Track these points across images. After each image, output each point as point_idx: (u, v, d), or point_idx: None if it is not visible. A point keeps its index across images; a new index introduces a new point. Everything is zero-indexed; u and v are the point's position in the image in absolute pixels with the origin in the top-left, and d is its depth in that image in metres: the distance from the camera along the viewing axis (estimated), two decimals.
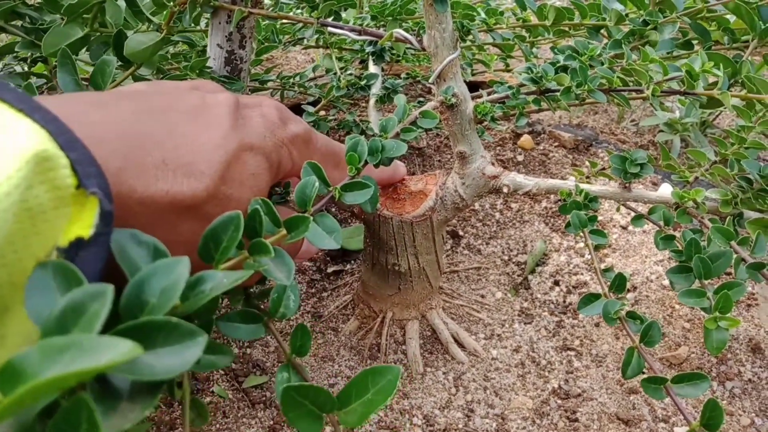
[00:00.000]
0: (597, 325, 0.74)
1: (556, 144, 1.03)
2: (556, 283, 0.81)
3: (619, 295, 0.54)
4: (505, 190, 0.65)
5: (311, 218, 0.37)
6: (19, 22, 0.72)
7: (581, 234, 0.57)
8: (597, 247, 0.56)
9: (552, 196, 0.92)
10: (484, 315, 0.80)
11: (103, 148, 0.26)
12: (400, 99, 0.56)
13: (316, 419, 0.27)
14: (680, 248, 0.56)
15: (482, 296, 0.83)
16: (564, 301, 0.79)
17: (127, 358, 0.15)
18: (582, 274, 0.80)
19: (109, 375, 0.19)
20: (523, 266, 0.86)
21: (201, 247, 0.29)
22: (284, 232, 0.38)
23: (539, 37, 1.07)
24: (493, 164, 0.66)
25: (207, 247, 0.29)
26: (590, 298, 0.53)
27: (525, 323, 0.78)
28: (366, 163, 0.52)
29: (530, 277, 0.84)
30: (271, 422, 0.64)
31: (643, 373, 0.50)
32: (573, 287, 0.79)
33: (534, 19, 1.08)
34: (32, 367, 0.14)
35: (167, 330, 0.18)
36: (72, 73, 0.62)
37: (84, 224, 0.22)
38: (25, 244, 0.20)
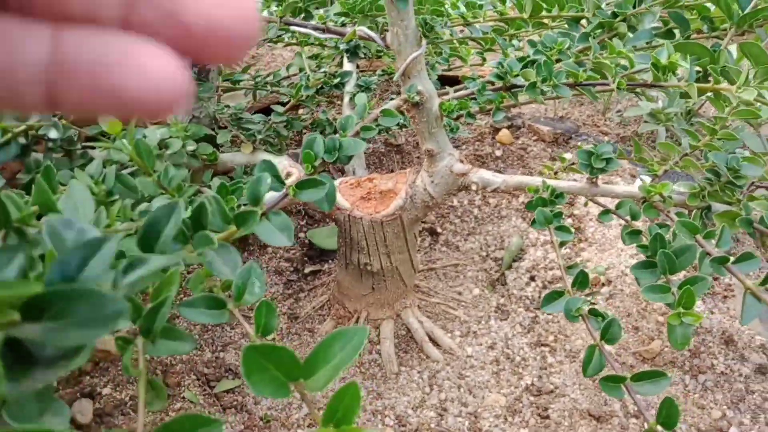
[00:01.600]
0: None
1: (535, 138, 1.02)
2: (532, 278, 0.81)
3: (585, 292, 0.54)
4: (473, 187, 0.64)
5: (259, 211, 0.36)
6: None
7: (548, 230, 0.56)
8: (562, 244, 0.56)
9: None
10: (461, 312, 0.80)
11: None
12: (360, 98, 0.56)
13: (281, 386, 0.26)
14: (646, 243, 0.56)
15: (459, 293, 0.83)
16: (539, 297, 0.78)
17: None
18: (558, 269, 0.80)
19: (26, 343, 0.18)
20: (500, 262, 0.85)
21: (140, 237, 0.28)
22: (234, 228, 0.37)
23: (520, 30, 1.06)
24: (461, 161, 0.65)
25: (146, 237, 0.29)
26: (553, 295, 0.53)
27: (501, 320, 0.77)
28: (323, 162, 0.51)
29: (507, 272, 0.83)
30: (242, 427, 0.64)
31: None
32: (549, 282, 0.79)
33: (514, 13, 1.07)
34: None
35: (87, 297, 0.18)
36: None
37: None
38: None
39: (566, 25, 1.01)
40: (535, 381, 0.68)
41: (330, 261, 0.89)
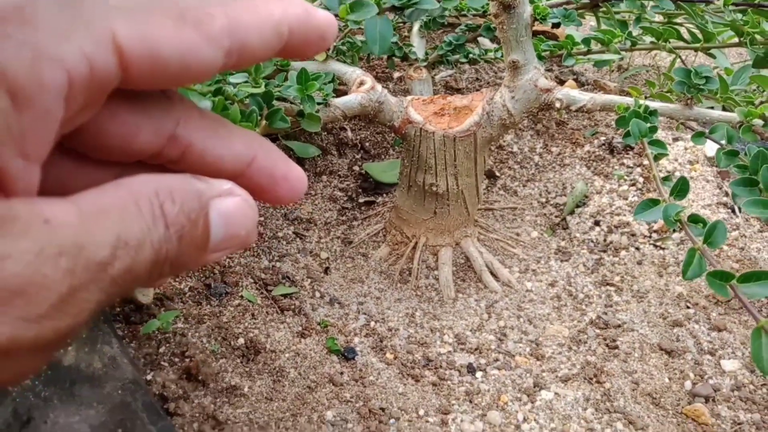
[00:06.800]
0: (639, 263, 0.71)
1: (602, 93, 0.99)
2: (597, 223, 0.78)
3: (679, 203, 0.51)
4: (557, 104, 0.62)
5: None
6: None
7: (639, 143, 0.54)
8: (656, 158, 0.54)
9: (595, 140, 0.89)
10: (519, 251, 0.77)
11: None
12: None
13: None
14: (744, 163, 0.53)
15: (517, 234, 0.80)
16: (605, 240, 0.76)
17: None
18: (625, 215, 0.77)
19: None
20: (561, 208, 0.83)
21: None
22: None
23: None
24: (545, 77, 0.63)
25: None
26: (648, 204, 0.50)
27: (562, 260, 0.75)
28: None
29: (569, 217, 0.81)
30: (300, 328, 0.62)
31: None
32: (615, 227, 0.77)
33: None
34: None
35: None
36: None
37: None
38: None
39: None
40: (600, 315, 0.65)
41: (384, 194, 0.88)
